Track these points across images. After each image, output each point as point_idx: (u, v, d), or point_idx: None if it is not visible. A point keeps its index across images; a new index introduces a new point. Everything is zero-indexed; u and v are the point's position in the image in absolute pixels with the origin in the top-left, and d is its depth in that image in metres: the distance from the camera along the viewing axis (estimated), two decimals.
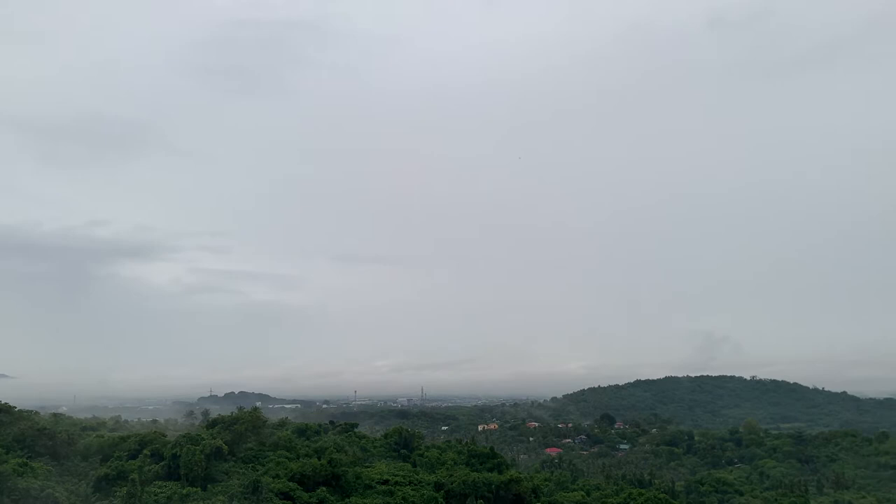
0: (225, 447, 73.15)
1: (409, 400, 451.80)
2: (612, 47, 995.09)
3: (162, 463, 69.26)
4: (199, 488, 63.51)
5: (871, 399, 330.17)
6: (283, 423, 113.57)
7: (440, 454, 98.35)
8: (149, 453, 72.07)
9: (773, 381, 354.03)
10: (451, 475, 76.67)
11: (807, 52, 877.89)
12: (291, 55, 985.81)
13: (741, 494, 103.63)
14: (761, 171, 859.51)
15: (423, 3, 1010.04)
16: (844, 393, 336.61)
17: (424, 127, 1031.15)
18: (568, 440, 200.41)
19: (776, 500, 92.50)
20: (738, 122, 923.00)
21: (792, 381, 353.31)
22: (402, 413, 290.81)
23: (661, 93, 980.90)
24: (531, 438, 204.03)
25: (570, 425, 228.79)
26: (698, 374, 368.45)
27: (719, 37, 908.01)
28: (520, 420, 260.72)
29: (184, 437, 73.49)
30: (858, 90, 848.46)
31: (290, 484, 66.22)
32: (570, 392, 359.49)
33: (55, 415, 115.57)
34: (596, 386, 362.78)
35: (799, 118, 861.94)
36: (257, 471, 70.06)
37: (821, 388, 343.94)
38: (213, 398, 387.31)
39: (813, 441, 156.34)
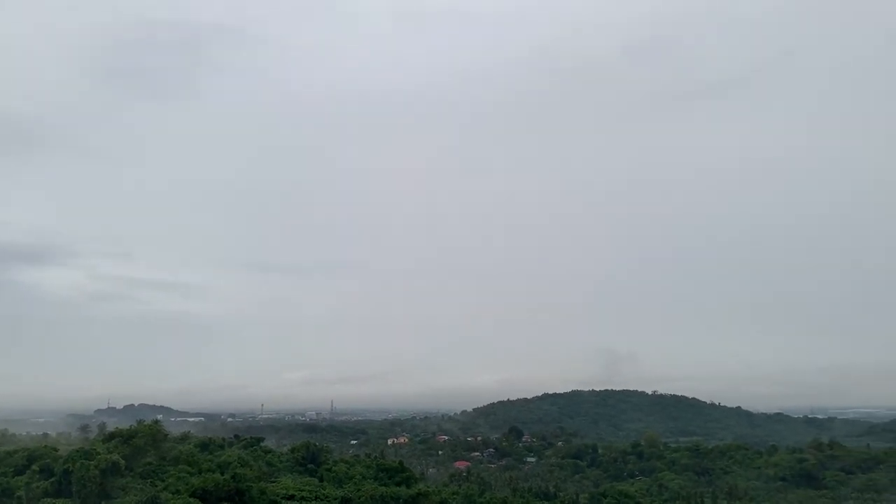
0: (122, 462, 70.08)
1: (318, 414, 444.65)
2: (530, 67, 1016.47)
3: (52, 479, 65.83)
4: None
5: (762, 414, 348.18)
6: (185, 437, 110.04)
7: (348, 468, 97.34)
8: (38, 469, 68.39)
9: (674, 396, 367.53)
10: (359, 490, 75.99)
11: (707, 84, 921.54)
12: (203, 58, 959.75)
13: None
14: (663, 194, 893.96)
15: (342, 14, 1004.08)
16: (739, 408, 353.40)
17: (341, 134, 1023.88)
18: (477, 453, 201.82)
19: None
20: (646, 146, 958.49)
21: (691, 397, 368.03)
22: (311, 427, 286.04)
23: (571, 116, 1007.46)
24: (440, 452, 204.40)
25: (479, 439, 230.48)
26: (603, 389, 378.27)
27: (632, 64, 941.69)
28: (430, 434, 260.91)
29: (77, 451, 70.10)
30: (752, 120, 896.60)
31: (191, 500, 64.04)
32: (480, 406, 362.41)
33: None
34: (505, 399, 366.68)
35: (697, 143, 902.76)
36: (156, 486, 67.49)
37: (717, 404, 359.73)
38: (110, 411, 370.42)
39: (709, 454, 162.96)
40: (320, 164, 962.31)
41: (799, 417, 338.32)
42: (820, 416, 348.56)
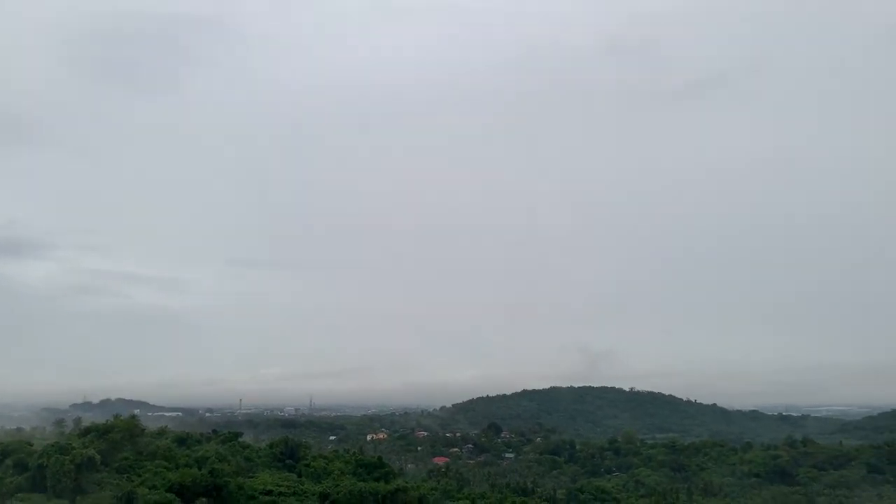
0: (98, 457, 69.49)
1: (296, 409, 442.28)
2: (512, 66, 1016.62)
3: (26, 474, 65.24)
4: (67, 501, 60.24)
5: (738, 411, 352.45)
6: (162, 432, 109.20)
7: (327, 464, 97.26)
8: (11, 463, 67.77)
9: (650, 393, 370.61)
10: (337, 485, 76.01)
11: (688, 84, 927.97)
12: (182, 51, 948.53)
13: (618, 502, 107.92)
14: (645, 192, 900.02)
15: (323, 10, 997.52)
16: (715, 405, 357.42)
17: (322, 130, 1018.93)
18: (455, 449, 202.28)
19: None
20: (629, 144, 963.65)
21: (667, 393, 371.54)
22: (289, 422, 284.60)
23: (556, 114, 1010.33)
24: (419, 448, 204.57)
25: (458, 434, 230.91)
26: (581, 385, 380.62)
27: (617, 63, 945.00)
28: (409, 429, 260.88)
29: (52, 446, 69.46)
30: (733, 121, 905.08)
31: (168, 495, 63.74)
32: (460, 402, 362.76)
33: None
34: (484, 395, 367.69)
35: (678, 144, 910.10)
36: (132, 482, 67.04)
37: (693, 400, 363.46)
38: (86, 405, 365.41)
39: (685, 450, 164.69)
40: (300, 159, 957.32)
41: (773, 415, 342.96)
42: (794, 414, 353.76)
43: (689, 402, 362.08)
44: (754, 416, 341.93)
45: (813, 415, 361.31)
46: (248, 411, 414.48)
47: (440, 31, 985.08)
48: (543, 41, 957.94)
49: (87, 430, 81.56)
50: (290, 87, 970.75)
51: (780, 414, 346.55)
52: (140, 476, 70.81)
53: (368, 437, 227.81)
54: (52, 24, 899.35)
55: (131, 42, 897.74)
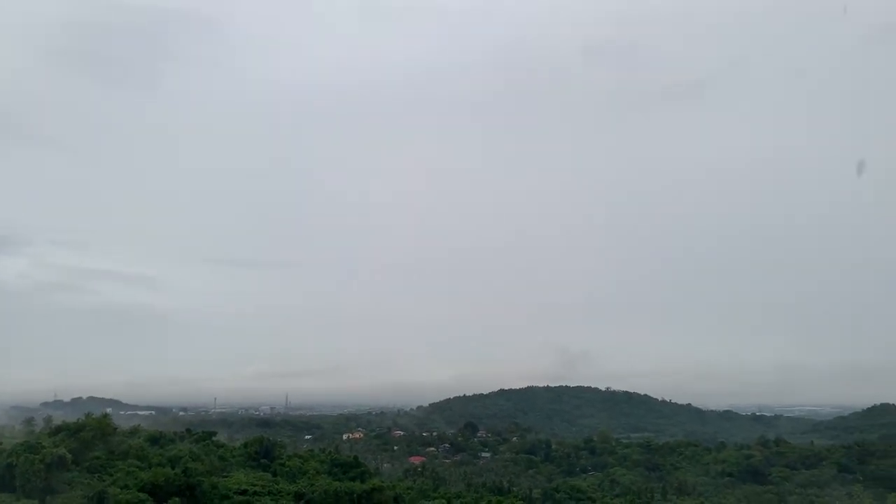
0: (68, 456, 68.32)
1: (272, 408, 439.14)
2: (488, 65, 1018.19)
3: None
4: (37, 501, 59.19)
5: (712, 411, 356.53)
6: (135, 431, 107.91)
7: (302, 463, 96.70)
8: None
9: (626, 393, 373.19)
10: (313, 485, 75.56)
11: (668, 87, 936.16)
12: (164, 46, 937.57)
13: (594, 501, 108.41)
14: (625, 195, 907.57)
15: (303, 8, 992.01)
16: (689, 405, 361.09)
17: (303, 129, 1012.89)
18: (432, 448, 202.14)
19: None
20: (607, 147, 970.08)
21: (643, 393, 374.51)
22: (265, 422, 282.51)
23: (531, 113, 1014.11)
24: (396, 447, 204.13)
25: (434, 434, 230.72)
26: (557, 385, 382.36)
27: (593, 65, 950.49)
28: (385, 429, 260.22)
29: (21, 444, 68.18)
30: (715, 125, 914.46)
31: (140, 495, 62.88)
32: (436, 401, 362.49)
33: None
34: (461, 395, 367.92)
35: (657, 147, 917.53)
36: (104, 481, 66.03)
37: (668, 400, 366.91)
38: (57, 404, 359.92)
39: (660, 450, 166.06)
40: (281, 158, 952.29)
41: (747, 415, 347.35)
42: (767, 414, 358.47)
43: (663, 401, 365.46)
44: (728, 416, 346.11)
45: (785, 415, 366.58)
46: (223, 410, 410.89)
47: (424, 31, 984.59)
48: (526, 40, 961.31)
49: (58, 429, 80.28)
50: (272, 84, 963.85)
51: (754, 414, 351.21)
52: (112, 475, 69.80)
53: (344, 437, 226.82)
54: (30, 14, 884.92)
55: (113, 35, 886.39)
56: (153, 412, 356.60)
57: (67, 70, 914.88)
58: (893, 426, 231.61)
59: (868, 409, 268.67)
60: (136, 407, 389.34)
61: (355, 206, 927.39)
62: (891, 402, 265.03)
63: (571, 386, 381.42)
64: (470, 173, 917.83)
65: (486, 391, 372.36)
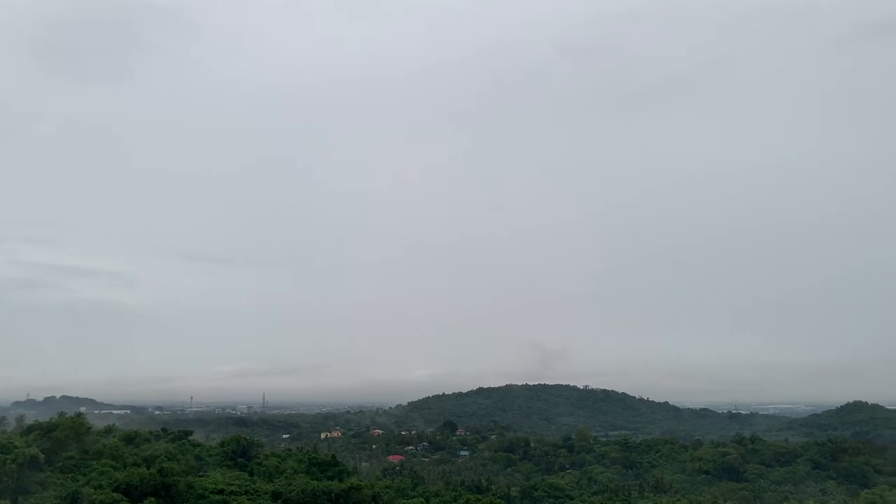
0: (41, 456, 67.18)
1: (249, 407, 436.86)
2: (466, 63, 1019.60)
3: None
4: (8, 501, 58.12)
5: (688, 409, 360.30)
6: (109, 430, 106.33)
7: (279, 463, 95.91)
8: None
9: (604, 391, 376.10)
10: (290, 484, 74.94)
11: (647, 87, 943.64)
12: (136, 40, 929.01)
13: (571, 499, 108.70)
14: (600, 197, 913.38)
15: (277, 2, 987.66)
16: (666, 403, 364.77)
17: (273, 125, 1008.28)
18: (410, 447, 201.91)
19: (603, 503, 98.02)
20: (587, 147, 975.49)
21: (620, 392, 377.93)
22: (242, 421, 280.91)
23: (508, 112, 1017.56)
24: (374, 446, 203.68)
25: (413, 432, 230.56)
26: (536, 383, 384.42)
27: (570, 65, 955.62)
28: (363, 428, 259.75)
29: None
30: (692, 125, 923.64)
31: (115, 495, 61.91)
32: (415, 399, 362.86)
33: None
34: (440, 393, 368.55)
35: (635, 147, 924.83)
36: (77, 481, 65.02)
37: (645, 399, 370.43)
38: (29, 403, 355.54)
39: (637, 448, 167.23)
40: (256, 155, 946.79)
41: (723, 413, 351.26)
42: (742, 412, 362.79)
43: (641, 400, 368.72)
44: (704, 413, 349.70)
45: (761, 413, 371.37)
46: (200, 409, 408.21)
47: (407, 29, 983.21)
48: (507, 40, 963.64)
49: (30, 429, 78.89)
50: (254, 83, 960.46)
51: (729, 412, 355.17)
52: (85, 475, 68.72)
53: (322, 436, 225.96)
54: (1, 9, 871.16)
55: (81, 28, 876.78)
56: (128, 411, 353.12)
57: (39, 65, 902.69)
58: (866, 423, 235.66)
59: (841, 406, 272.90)
60: (110, 406, 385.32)
61: (333, 205, 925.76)
62: (863, 399, 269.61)
63: (550, 384, 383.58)
64: (448, 177, 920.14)
65: (464, 390, 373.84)
